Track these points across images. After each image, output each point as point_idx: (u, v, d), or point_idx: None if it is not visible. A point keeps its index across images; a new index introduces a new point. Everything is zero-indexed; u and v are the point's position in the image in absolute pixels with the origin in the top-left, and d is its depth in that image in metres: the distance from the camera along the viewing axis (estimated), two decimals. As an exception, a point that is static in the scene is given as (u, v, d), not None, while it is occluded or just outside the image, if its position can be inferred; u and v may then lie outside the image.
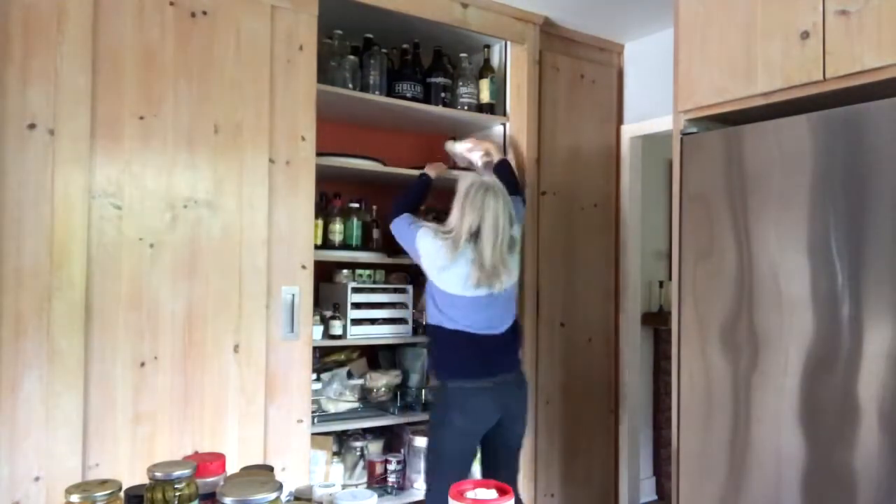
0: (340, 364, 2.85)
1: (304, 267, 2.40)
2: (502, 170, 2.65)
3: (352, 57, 2.70)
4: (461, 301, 2.29)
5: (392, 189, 2.91)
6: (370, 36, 2.80)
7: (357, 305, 2.75)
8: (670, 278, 2.76)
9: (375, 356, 3.07)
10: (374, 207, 2.95)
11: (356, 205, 2.87)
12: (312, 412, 2.47)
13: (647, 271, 3.79)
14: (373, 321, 2.79)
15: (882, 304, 1.62)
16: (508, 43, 3.02)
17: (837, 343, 1.71)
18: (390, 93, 2.80)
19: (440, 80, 2.91)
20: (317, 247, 2.55)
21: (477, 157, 2.76)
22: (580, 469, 3.22)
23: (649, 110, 3.27)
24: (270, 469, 1.19)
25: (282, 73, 2.36)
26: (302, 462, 2.38)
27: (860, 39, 1.68)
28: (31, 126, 1.94)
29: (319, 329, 2.61)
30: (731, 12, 1.99)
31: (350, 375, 2.81)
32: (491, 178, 2.37)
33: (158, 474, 0.98)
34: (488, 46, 3.04)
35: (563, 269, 3.15)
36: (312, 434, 2.45)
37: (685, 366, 2.08)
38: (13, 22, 1.92)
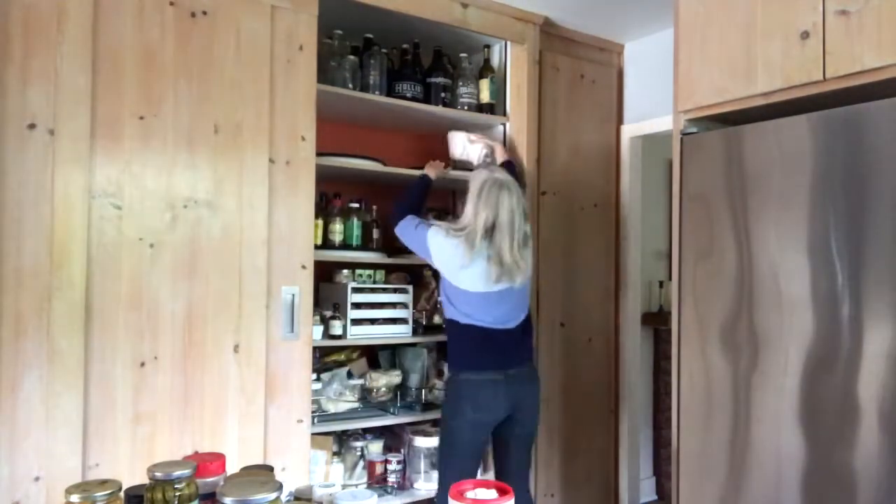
0: (340, 364, 2.85)
1: (304, 267, 2.40)
2: (507, 171, 2.65)
3: (352, 57, 2.70)
4: (475, 297, 2.29)
5: (392, 189, 2.91)
6: (370, 36, 2.80)
7: (357, 305, 2.75)
8: (670, 278, 2.76)
9: (375, 356, 3.07)
10: (374, 207, 2.95)
11: (356, 205, 2.87)
12: (312, 412, 2.47)
13: (647, 271, 3.79)
14: (373, 321, 2.79)
15: (882, 304, 1.62)
16: (508, 43, 3.02)
17: (837, 343, 1.71)
18: (390, 93, 2.80)
19: (440, 80, 2.91)
20: (317, 247, 2.55)
21: (476, 152, 2.75)
22: (580, 469, 3.22)
23: (649, 110, 3.27)
24: (270, 469, 1.19)
25: (282, 73, 2.36)
26: (302, 462, 2.38)
27: (860, 39, 1.68)
28: (31, 126, 1.94)
29: (319, 329, 2.61)
30: (731, 12, 1.99)
31: (350, 375, 2.81)
32: (503, 175, 2.36)
33: (158, 474, 0.98)
34: (488, 46, 3.04)
35: (563, 269, 3.15)
36: (312, 434, 2.45)
37: (685, 366, 2.08)
38: (13, 22, 1.92)
